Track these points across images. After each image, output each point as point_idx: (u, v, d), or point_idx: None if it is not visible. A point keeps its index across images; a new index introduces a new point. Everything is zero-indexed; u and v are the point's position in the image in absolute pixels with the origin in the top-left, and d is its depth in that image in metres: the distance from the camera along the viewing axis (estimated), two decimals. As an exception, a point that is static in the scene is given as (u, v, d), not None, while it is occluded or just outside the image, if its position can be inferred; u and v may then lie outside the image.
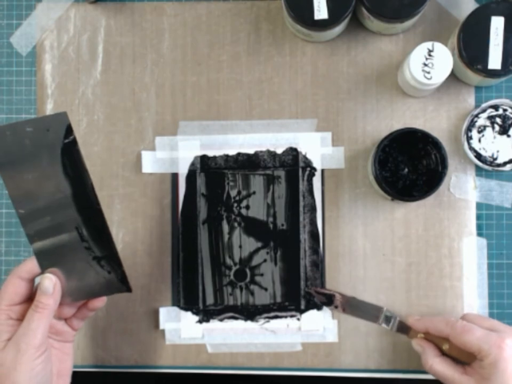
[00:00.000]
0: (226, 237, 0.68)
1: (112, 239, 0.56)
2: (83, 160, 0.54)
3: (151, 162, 0.68)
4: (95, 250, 0.55)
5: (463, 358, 0.59)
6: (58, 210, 0.55)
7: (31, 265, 0.55)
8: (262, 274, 0.68)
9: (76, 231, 0.55)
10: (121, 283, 0.57)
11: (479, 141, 0.66)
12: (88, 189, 0.55)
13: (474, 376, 0.56)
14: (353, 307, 0.65)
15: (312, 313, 0.67)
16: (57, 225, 0.55)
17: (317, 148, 0.68)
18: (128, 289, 0.57)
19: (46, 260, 0.55)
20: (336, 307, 0.65)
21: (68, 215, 0.55)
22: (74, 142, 0.54)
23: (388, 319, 0.64)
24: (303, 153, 0.68)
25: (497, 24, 0.61)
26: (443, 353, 0.60)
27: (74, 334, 0.60)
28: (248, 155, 0.68)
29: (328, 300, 0.66)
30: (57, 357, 0.59)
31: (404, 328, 0.63)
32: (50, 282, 0.54)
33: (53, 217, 0.55)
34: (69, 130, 0.54)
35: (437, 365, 0.59)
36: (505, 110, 0.66)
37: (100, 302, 0.59)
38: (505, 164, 0.66)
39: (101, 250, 0.56)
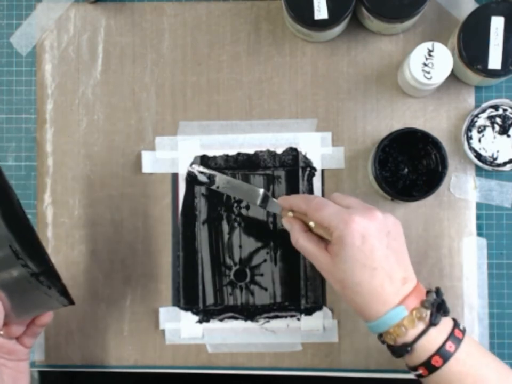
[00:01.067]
0: (226, 237, 0.68)
1: (47, 253, 0.55)
2: (6, 178, 0.53)
3: (151, 162, 0.68)
4: (32, 267, 0.53)
5: (326, 235, 0.57)
6: None
7: None
8: (262, 274, 0.68)
9: (9, 249, 0.53)
10: (62, 297, 0.56)
11: (479, 141, 0.66)
12: (15, 206, 0.54)
13: (331, 253, 0.55)
14: (234, 188, 0.66)
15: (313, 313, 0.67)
16: None
17: (317, 148, 0.68)
18: (71, 302, 0.56)
19: None
20: (217, 187, 0.66)
21: (0, 236, 0.53)
22: None
23: (264, 200, 0.64)
24: (303, 153, 0.68)
25: (497, 24, 0.61)
26: (311, 231, 0.59)
27: (28, 352, 0.59)
28: (248, 155, 0.68)
29: (210, 180, 0.66)
30: (10, 376, 0.58)
31: (275, 208, 0.63)
32: None
33: None
34: None
35: (303, 240, 0.58)
36: (505, 110, 0.66)
37: (47, 317, 0.58)
38: (505, 164, 0.66)
39: (37, 266, 0.54)
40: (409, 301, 0.53)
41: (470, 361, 0.53)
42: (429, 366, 0.53)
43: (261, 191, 0.65)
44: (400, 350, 0.54)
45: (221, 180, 0.66)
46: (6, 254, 0.53)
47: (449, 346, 0.52)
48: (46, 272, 0.54)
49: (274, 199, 0.64)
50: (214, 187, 0.66)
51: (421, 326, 0.53)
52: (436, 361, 0.52)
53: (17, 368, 0.58)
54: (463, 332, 0.54)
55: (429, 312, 0.53)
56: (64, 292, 0.56)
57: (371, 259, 0.53)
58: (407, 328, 0.53)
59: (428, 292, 0.55)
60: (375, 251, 0.53)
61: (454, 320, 0.55)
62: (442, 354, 0.52)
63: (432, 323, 0.52)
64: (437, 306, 0.53)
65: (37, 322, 0.58)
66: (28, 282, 0.54)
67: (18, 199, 0.54)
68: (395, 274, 0.53)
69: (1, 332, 0.56)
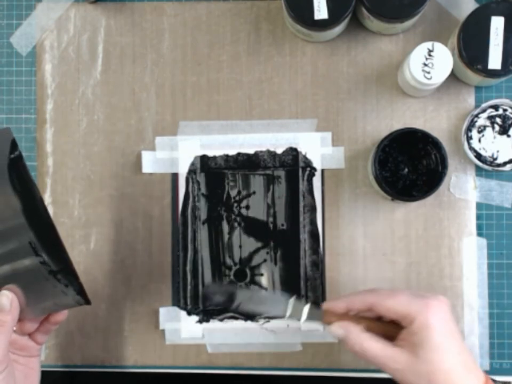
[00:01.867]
0: (226, 237, 0.68)
1: (66, 252, 0.54)
2: (30, 174, 0.53)
3: (151, 162, 0.68)
4: (51, 265, 0.54)
5: (386, 331, 0.54)
6: (9, 227, 0.53)
7: None
8: (262, 274, 0.68)
9: (29, 246, 0.53)
10: (79, 296, 0.55)
11: (479, 141, 0.66)
12: (37, 202, 0.53)
13: (405, 347, 0.51)
14: (257, 301, 0.61)
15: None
16: (9, 242, 0.53)
17: (317, 148, 0.68)
18: (87, 302, 0.56)
19: (1, 278, 0.54)
20: (237, 307, 0.61)
21: (20, 231, 0.53)
22: (20, 157, 0.53)
23: (295, 309, 0.57)
24: (303, 153, 0.68)
25: (497, 24, 0.61)
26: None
27: (39, 348, 0.59)
28: (248, 155, 0.68)
29: (227, 299, 0.63)
30: (22, 372, 0.58)
31: (315, 316, 0.57)
32: (7, 299, 0.53)
33: (4, 233, 0.53)
34: (14, 145, 0.53)
35: (370, 342, 0.53)
36: (505, 110, 0.66)
37: (61, 316, 0.58)
38: (505, 164, 0.66)
39: (56, 264, 0.54)
40: None
41: None
42: None
43: (291, 300, 0.58)
44: None
45: (242, 295, 0.61)
46: (24, 250, 0.53)
47: None
48: (64, 270, 0.54)
49: (315, 308, 0.57)
50: (233, 307, 0.63)
51: None
52: None
53: (28, 365, 0.58)
54: None
55: None
56: (81, 291, 0.55)
57: (454, 344, 0.51)
58: None
59: None
60: (455, 333, 0.52)
61: None
62: None
63: None
64: None
65: (51, 320, 0.58)
66: (45, 279, 0.54)
67: (41, 196, 0.54)
68: (469, 361, 0.52)
69: (15, 328, 0.56)
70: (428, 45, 0.60)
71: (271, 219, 0.68)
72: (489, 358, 0.66)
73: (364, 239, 0.67)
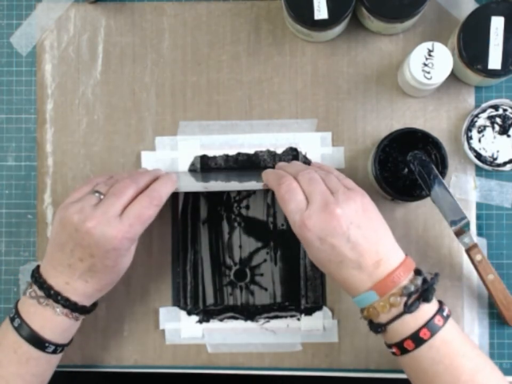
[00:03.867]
0: (226, 237, 0.68)
1: None
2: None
3: (151, 162, 0.68)
4: None
5: None
6: None
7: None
8: (262, 274, 0.68)
9: None
10: None
11: (479, 141, 0.66)
12: None
13: None
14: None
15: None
16: None
17: (317, 148, 0.68)
18: None
19: None
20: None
21: None
22: None
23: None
24: (303, 153, 0.68)
25: (497, 24, 0.61)
26: None
27: None
28: (248, 155, 0.68)
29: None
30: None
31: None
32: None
33: None
34: None
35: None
36: (505, 110, 0.66)
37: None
38: (505, 164, 0.66)
39: None
40: (383, 285, 0.52)
41: (445, 349, 0.52)
42: (401, 348, 0.53)
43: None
44: (374, 328, 0.54)
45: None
46: None
47: (424, 333, 0.52)
48: None
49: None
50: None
51: (394, 311, 0.52)
52: (408, 344, 0.52)
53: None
54: (446, 318, 0.53)
55: (404, 300, 0.52)
56: None
57: (334, 255, 0.53)
58: (378, 311, 0.53)
59: (417, 273, 0.54)
60: (336, 248, 0.53)
61: (440, 303, 0.54)
62: (415, 340, 0.52)
63: (407, 311, 0.52)
64: (420, 293, 0.52)
65: None
66: None
67: None
68: (364, 261, 0.53)
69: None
70: (427, 45, 0.60)
71: (271, 219, 0.68)
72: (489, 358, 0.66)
73: (364, 239, 0.67)
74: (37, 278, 0.57)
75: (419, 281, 0.53)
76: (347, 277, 0.54)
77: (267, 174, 0.60)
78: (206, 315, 0.68)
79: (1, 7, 0.70)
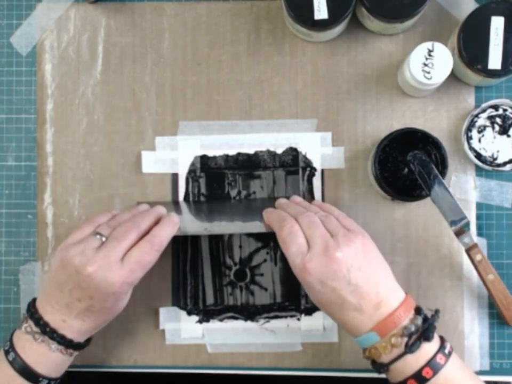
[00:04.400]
0: (226, 237, 0.68)
1: None
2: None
3: (151, 162, 0.68)
4: None
5: None
6: None
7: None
8: (262, 274, 0.68)
9: None
10: None
11: (479, 141, 0.66)
12: None
13: None
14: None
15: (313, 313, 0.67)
16: None
17: (317, 148, 0.68)
18: None
19: None
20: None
21: None
22: None
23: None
24: (303, 153, 0.68)
25: (497, 24, 0.61)
26: None
27: None
28: (248, 155, 0.68)
29: None
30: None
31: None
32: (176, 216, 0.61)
33: None
34: None
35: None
36: (505, 110, 0.66)
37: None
38: (505, 163, 0.66)
39: None
40: (383, 326, 0.53)
41: None
42: None
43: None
44: (377, 368, 0.54)
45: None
46: None
47: (426, 372, 0.52)
48: None
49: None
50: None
51: (396, 351, 0.53)
52: (411, 383, 0.52)
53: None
54: (447, 355, 0.53)
55: (405, 340, 0.52)
56: None
57: (335, 297, 0.53)
58: (380, 352, 0.53)
59: (417, 311, 0.54)
60: (337, 291, 0.53)
61: (441, 339, 0.54)
62: (417, 379, 0.52)
63: (408, 351, 0.52)
64: (421, 332, 0.53)
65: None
66: None
67: None
68: (365, 303, 0.53)
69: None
70: (427, 45, 0.60)
71: (271, 219, 0.68)
72: (489, 358, 0.66)
73: (364, 239, 0.67)
74: (33, 313, 0.57)
75: (419, 320, 0.53)
76: (348, 319, 0.54)
77: (269, 214, 0.60)
78: (206, 315, 0.68)
79: (1, 7, 0.70)
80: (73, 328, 0.57)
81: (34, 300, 0.59)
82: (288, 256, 0.55)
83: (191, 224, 0.64)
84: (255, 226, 0.62)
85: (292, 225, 0.56)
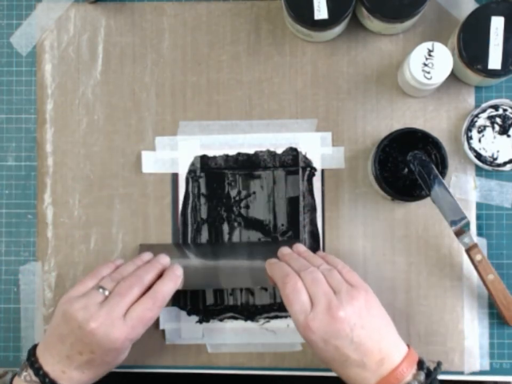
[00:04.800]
0: (226, 237, 0.68)
1: None
2: None
3: (151, 162, 0.68)
4: None
5: None
6: None
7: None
8: (262, 274, 0.68)
9: None
10: None
11: (479, 141, 0.66)
12: None
13: None
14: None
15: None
16: None
17: (317, 148, 0.68)
18: None
19: None
20: None
21: None
22: None
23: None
24: (303, 153, 0.68)
25: (497, 24, 0.61)
26: None
27: None
28: (248, 155, 0.68)
29: None
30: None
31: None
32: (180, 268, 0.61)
33: None
34: None
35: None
36: (505, 110, 0.66)
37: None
38: (505, 163, 0.66)
39: None
40: (386, 382, 0.53)
41: None
42: None
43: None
44: None
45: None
46: None
47: None
48: None
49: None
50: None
51: None
52: None
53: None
54: None
55: None
56: None
57: (338, 355, 0.54)
58: None
59: (420, 365, 0.54)
60: (340, 349, 0.53)
61: None
62: None
63: None
64: None
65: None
66: None
67: None
68: (368, 360, 0.53)
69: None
70: (427, 45, 0.60)
71: (271, 219, 0.68)
72: (489, 358, 0.66)
73: (363, 239, 0.67)
74: (33, 362, 0.57)
75: (422, 376, 0.53)
76: (351, 375, 0.54)
77: (272, 267, 0.60)
78: (206, 315, 0.68)
79: (1, 7, 0.70)
80: (73, 380, 0.57)
81: (34, 347, 0.59)
82: (292, 314, 0.55)
83: (195, 275, 0.64)
84: (262, 280, 0.62)
85: (295, 282, 0.56)
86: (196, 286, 0.65)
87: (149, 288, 0.59)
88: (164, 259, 0.62)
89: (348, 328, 0.53)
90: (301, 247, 0.64)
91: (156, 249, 0.65)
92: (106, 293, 0.57)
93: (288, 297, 0.56)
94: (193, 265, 0.65)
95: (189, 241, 0.68)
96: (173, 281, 0.60)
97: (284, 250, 0.63)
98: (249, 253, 0.66)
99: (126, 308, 0.56)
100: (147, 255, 0.64)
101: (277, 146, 0.68)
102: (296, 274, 0.57)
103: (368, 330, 0.54)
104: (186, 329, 0.68)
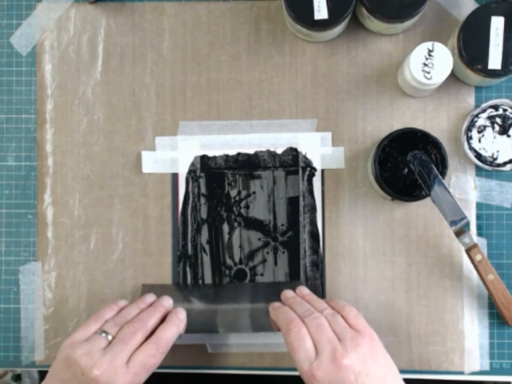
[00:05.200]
0: (226, 237, 0.68)
1: None
2: None
3: (151, 162, 0.68)
4: None
5: None
6: None
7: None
8: (262, 274, 0.68)
9: None
10: None
11: (479, 141, 0.66)
12: None
13: None
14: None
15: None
16: None
17: (317, 148, 0.68)
18: None
19: None
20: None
21: None
22: None
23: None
24: (303, 153, 0.68)
25: (497, 24, 0.61)
26: None
27: None
28: (248, 155, 0.68)
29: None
30: None
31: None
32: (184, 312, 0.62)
33: None
34: None
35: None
36: (505, 110, 0.66)
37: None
38: (505, 164, 0.66)
39: None
40: None
41: None
42: None
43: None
44: None
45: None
46: None
47: None
48: None
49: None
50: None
51: None
52: None
53: None
54: None
55: None
56: None
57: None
58: None
59: None
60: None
61: None
62: None
63: None
64: None
65: None
66: None
67: None
68: None
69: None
70: (427, 45, 0.60)
71: (271, 219, 0.68)
72: (489, 358, 0.66)
73: (363, 239, 0.67)
74: None
75: None
76: None
77: (276, 311, 0.60)
78: (206, 315, 0.68)
79: (1, 7, 0.70)
80: None
81: None
82: (296, 362, 0.55)
83: (196, 319, 0.64)
84: (262, 325, 0.62)
85: (300, 329, 0.56)
86: (196, 331, 0.64)
87: (153, 331, 0.58)
88: (167, 301, 0.62)
89: (353, 377, 0.53)
90: (304, 290, 0.63)
91: (158, 290, 0.65)
92: (110, 337, 0.57)
93: (293, 345, 0.55)
94: (195, 308, 0.65)
95: (189, 241, 0.68)
96: (176, 326, 0.60)
97: (288, 293, 0.63)
98: (252, 295, 0.66)
99: (129, 354, 0.56)
100: (150, 297, 0.64)
101: (277, 146, 0.68)
102: (301, 321, 0.57)
103: (373, 378, 0.54)
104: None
